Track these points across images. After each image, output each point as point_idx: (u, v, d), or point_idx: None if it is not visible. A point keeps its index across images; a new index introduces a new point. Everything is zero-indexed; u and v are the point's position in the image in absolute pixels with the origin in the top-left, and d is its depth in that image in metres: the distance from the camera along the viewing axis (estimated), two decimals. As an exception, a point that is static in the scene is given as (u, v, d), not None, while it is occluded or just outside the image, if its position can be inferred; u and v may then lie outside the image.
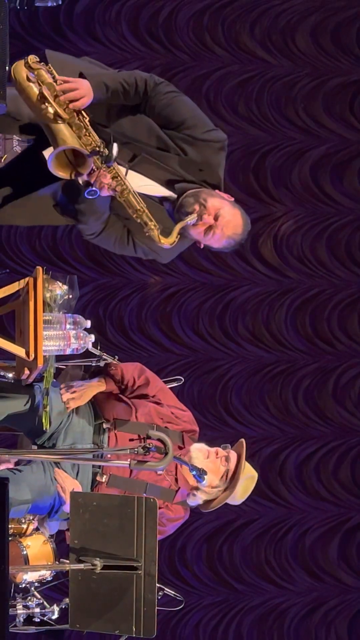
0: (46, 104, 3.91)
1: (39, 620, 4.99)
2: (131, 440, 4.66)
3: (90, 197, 4.03)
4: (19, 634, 5.07)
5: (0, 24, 3.76)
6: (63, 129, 3.94)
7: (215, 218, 4.18)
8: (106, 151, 3.92)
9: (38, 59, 4.01)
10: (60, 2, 7.32)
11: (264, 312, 7.94)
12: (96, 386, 4.78)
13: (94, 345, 4.64)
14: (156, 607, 4.00)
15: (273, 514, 7.84)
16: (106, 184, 4.01)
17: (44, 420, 4.53)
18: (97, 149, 3.93)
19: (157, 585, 4.05)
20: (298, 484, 7.88)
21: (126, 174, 4.06)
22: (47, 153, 4.04)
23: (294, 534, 7.87)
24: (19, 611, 4.93)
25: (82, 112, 4.00)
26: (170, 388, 5.00)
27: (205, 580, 7.73)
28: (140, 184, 4.17)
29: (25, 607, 4.94)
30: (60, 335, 4.30)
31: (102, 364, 5.06)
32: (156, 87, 4.15)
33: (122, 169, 4.06)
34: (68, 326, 4.32)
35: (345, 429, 7.97)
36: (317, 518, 7.90)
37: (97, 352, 5.01)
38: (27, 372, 4.34)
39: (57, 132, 3.93)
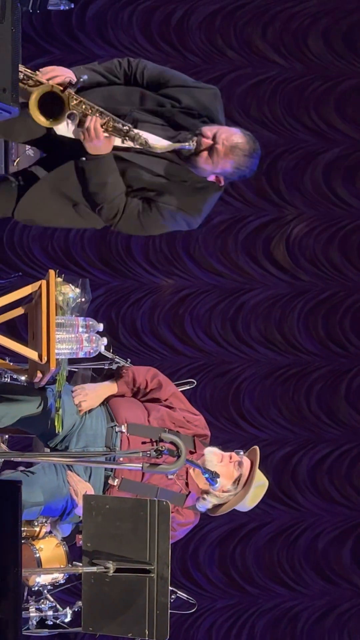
0: (26, 80, 4.12)
1: (51, 623, 5.00)
2: (143, 443, 4.65)
3: (72, 120, 4.15)
4: (32, 636, 5.07)
5: (12, 27, 3.77)
6: (41, 89, 4.13)
7: (213, 138, 4.26)
8: (76, 78, 4.14)
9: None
10: (72, 6, 7.34)
11: (277, 315, 7.93)
12: (107, 388, 4.79)
13: (107, 348, 4.64)
14: (169, 610, 3.99)
15: (286, 517, 7.83)
16: (94, 119, 4.12)
17: (56, 423, 4.53)
18: (67, 83, 4.12)
19: (170, 588, 4.04)
20: (311, 486, 7.87)
21: (128, 134, 4.18)
22: (58, 130, 4.22)
23: (307, 537, 7.85)
24: (31, 614, 4.94)
25: (56, 81, 4.17)
26: (183, 391, 5.00)
27: (217, 584, 7.72)
28: (150, 141, 4.24)
29: (38, 610, 4.95)
30: (73, 338, 4.30)
31: (114, 367, 5.07)
32: (140, 62, 4.39)
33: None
34: (80, 329, 4.33)
35: (358, 431, 7.96)
36: (329, 521, 7.89)
37: (109, 355, 5.02)
38: (39, 375, 4.34)
39: (37, 93, 4.12)
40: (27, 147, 6.72)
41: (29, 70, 4.16)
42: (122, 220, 4.37)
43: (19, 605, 3.93)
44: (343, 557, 7.89)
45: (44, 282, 4.29)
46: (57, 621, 5.01)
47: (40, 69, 4.22)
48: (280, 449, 7.82)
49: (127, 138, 4.20)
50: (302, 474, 7.86)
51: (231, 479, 4.69)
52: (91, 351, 4.36)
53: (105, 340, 4.39)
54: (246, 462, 4.74)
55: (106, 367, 5.08)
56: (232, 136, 4.29)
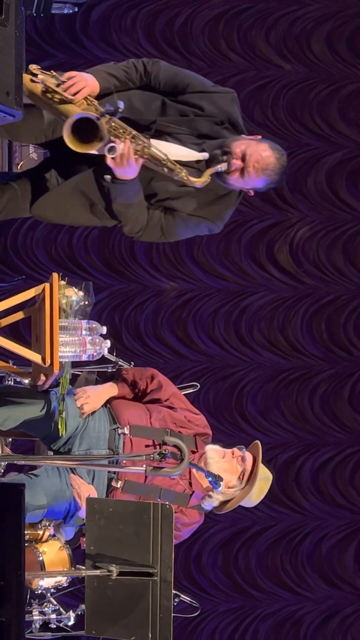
0: (51, 93, 4.09)
1: (55, 626, 5.00)
2: (146, 446, 4.66)
3: (111, 154, 4.09)
4: (34, 640, 5.07)
5: (16, 31, 3.78)
6: (69, 108, 4.10)
7: (243, 159, 4.24)
8: (113, 107, 4.08)
9: (40, 67, 4.18)
10: (76, 9, 7.35)
11: (280, 318, 7.93)
12: (109, 390, 4.79)
13: (110, 351, 4.65)
14: (172, 614, 3.99)
15: (289, 521, 7.83)
16: (127, 144, 4.08)
17: (60, 426, 4.54)
18: (104, 109, 4.08)
19: (173, 591, 4.04)
20: (314, 490, 7.87)
21: (166, 165, 4.17)
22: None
23: (310, 540, 7.85)
24: (35, 617, 4.94)
25: (88, 98, 4.15)
26: (186, 394, 5.01)
27: (221, 587, 7.72)
28: (172, 152, 4.23)
29: (42, 613, 4.95)
30: (76, 341, 4.30)
31: (116, 369, 5.07)
32: (154, 63, 4.33)
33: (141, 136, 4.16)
34: (84, 332, 4.33)
35: (362, 435, 7.96)
36: (333, 525, 7.88)
37: (112, 358, 5.02)
38: (43, 378, 4.35)
39: (66, 112, 4.08)
40: (31, 149, 6.73)
41: (52, 81, 4.11)
42: (145, 234, 4.40)
43: (22, 609, 3.93)
44: (346, 561, 7.88)
45: (47, 285, 4.30)
46: (60, 624, 5.00)
47: (61, 76, 4.15)
48: (283, 452, 7.82)
49: (164, 168, 4.18)
50: (305, 477, 7.86)
51: (235, 474, 4.70)
52: (94, 354, 4.37)
53: (108, 343, 4.40)
54: (249, 457, 4.76)
55: (110, 371, 5.09)
56: (262, 155, 4.26)
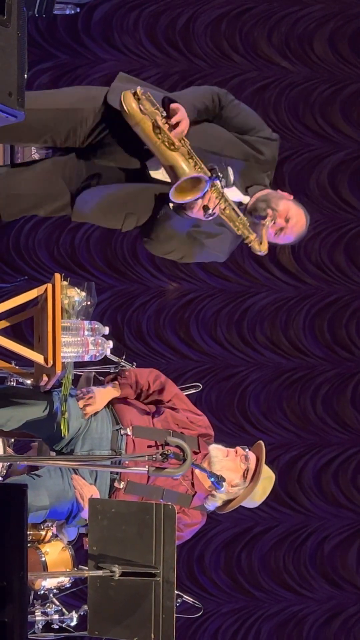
0: (161, 134, 4.22)
1: (57, 627, 5.00)
2: (149, 446, 4.66)
3: (208, 219, 4.29)
4: (37, 640, 5.07)
5: (18, 32, 3.78)
6: (177, 158, 4.23)
7: (286, 220, 4.46)
8: (223, 175, 4.24)
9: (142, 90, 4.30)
10: (78, 10, 7.35)
11: (282, 319, 7.92)
12: (111, 391, 4.80)
13: (116, 352, 4.65)
14: (175, 614, 3.99)
15: (291, 521, 7.82)
16: (216, 204, 4.27)
17: (62, 427, 4.53)
18: (214, 173, 4.22)
19: (176, 592, 4.04)
20: (316, 490, 7.86)
21: (238, 223, 4.36)
22: (155, 174, 4.35)
23: (313, 541, 7.84)
24: (37, 618, 4.94)
25: (183, 137, 4.28)
26: (189, 395, 5.01)
27: (223, 588, 7.71)
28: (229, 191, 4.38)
29: (44, 613, 4.95)
30: (79, 341, 4.30)
31: (119, 370, 5.07)
32: (226, 97, 4.46)
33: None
34: (86, 333, 4.33)
35: (364, 435, 7.95)
36: (335, 525, 7.87)
37: (115, 358, 5.02)
38: (45, 378, 4.35)
39: (174, 161, 4.22)
40: (33, 150, 6.74)
41: (157, 115, 4.20)
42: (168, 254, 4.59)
43: (25, 609, 3.93)
44: (349, 561, 7.87)
45: (49, 285, 4.30)
46: (63, 625, 5.01)
47: (170, 118, 4.23)
48: (286, 452, 7.82)
49: (235, 227, 4.34)
50: (307, 477, 7.85)
51: (239, 473, 4.71)
52: (97, 354, 4.36)
53: (111, 344, 4.40)
54: (252, 456, 4.77)
55: (112, 371, 5.09)
56: (300, 221, 4.51)
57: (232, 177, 4.27)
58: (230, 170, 4.27)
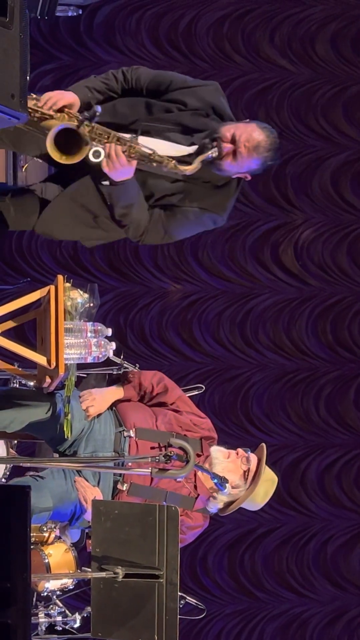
0: (31, 112, 4.11)
1: (61, 628, 5.00)
2: (152, 448, 4.66)
3: (96, 158, 4.10)
4: (41, 642, 5.07)
5: (21, 33, 3.78)
6: (51, 123, 4.13)
7: (233, 141, 4.22)
8: (90, 113, 4.09)
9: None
10: (80, 12, 7.35)
11: (285, 320, 7.92)
12: (114, 393, 4.79)
13: (117, 354, 4.65)
14: (178, 616, 3.99)
15: (295, 523, 7.82)
16: (112, 146, 4.10)
17: (65, 428, 4.54)
18: (82, 116, 4.09)
19: (179, 593, 4.04)
20: (320, 492, 7.86)
21: (154, 159, 4.16)
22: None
23: (316, 542, 7.84)
24: (41, 620, 4.95)
25: (69, 112, 4.16)
26: (191, 396, 5.00)
27: (227, 589, 7.71)
28: (161, 149, 4.22)
29: (47, 615, 4.95)
30: (82, 343, 4.30)
31: (122, 372, 5.08)
32: (133, 70, 4.36)
33: (127, 136, 4.17)
34: (89, 334, 4.33)
35: (367, 436, 7.95)
36: (339, 526, 7.87)
37: (118, 360, 5.03)
38: (48, 380, 4.35)
39: (48, 127, 4.11)
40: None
41: (30, 102, 4.12)
42: (148, 235, 4.38)
43: (28, 611, 3.93)
44: (352, 563, 7.87)
45: (52, 287, 4.30)
46: (66, 627, 5.01)
47: (39, 97, 4.20)
48: (289, 454, 7.81)
49: (153, 163, 4.17)
50: (311, 479, 7.85)
51: (239, 474, 4.70)
52: (100, 356, 4.37)
53: (113, 345, 4.40)
54: (253, 457, 4.76)
55: (115, 373, 5.09)
56: (252, 135, 4.23)
57: (97, 110, 4.07)
58: (97, 107, 4.10)
